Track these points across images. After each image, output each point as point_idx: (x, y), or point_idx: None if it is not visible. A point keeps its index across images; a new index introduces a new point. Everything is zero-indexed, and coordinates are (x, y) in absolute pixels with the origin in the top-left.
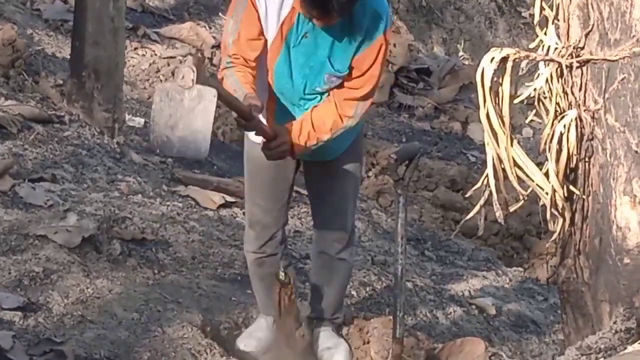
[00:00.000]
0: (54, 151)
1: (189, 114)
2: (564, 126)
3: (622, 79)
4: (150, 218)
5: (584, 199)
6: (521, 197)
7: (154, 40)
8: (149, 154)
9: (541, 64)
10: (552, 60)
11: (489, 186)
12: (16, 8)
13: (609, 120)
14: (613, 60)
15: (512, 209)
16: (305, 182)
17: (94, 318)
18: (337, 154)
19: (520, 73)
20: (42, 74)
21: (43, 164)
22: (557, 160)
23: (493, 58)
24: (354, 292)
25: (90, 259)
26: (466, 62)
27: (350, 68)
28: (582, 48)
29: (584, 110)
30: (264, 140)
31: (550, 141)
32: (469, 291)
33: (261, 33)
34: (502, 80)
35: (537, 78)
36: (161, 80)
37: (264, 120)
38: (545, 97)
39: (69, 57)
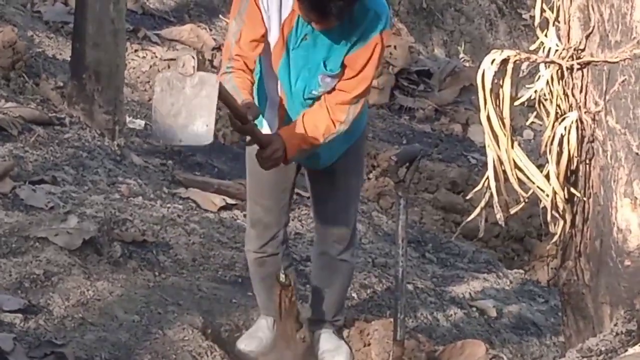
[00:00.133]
0: (54, 153)
1: (191, 101)
2: (565, 128)
3: (623, 81)
4: (150, 220)
5: (584, 201)
6: (522, 199)
7: (154, 42)
8: (149, 156)
9: (542, 66)
10: (552, 62)
11: (490, 188)
12: (16, 10)
13: (609, 122)
14: (614, 62)
15: (512, 211)
16: (307, 182)
17: (95, 320)
18: (334, 158)
19: (520, 75)
20: (42, 76)
21: (44, 166)
22: (558, 162)
23: (494, 60)
24: (354, 295)
25: (90, 261)
26: (467, 64)
27: (343, 67)
28: (583, 50)
29: (585, 112)
30: (258, 147)
31: (551, 143)
32: (470, 293)
33: (264, 34)
34: (503, 82)
35: (537, 80)
36: None
37: (268, 130)
38: (545, 99)
39: (69, 59)
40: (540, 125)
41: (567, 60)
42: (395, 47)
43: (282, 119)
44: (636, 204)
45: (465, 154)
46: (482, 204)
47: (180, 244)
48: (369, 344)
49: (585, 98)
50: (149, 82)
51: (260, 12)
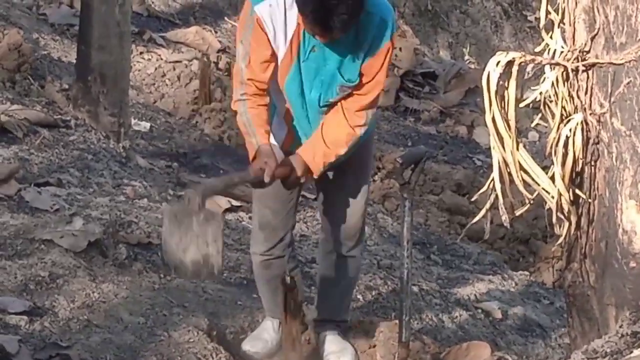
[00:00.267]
0: (59, 155)
1: (199, 238)
2: (570, 130)
3: (628, 83)
4: (156, 222)
5: (589, 203)
6: (527, 201)
7: (159, 45)
8: (154, 158)
9: (547, 68)
10: (558, 64)
11: (495, 190)
12: (22, 13)
13: (614, 124)
14: (619, 64)
15: (518, 213)
16: (315, 182)
17: (100, 322)
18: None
19: (526, 77)
20: (48, 78)
21: (49, 168)
22: (563, 164)
23: (499, 62)
24: (360, 296)
25: (96, 263)
26: (472, 66)
27: (361, 76)
28: (588, 52)
29: (590, 114)
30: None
31: (556, 145)
32: (475, 295)
33: (272, 54)
34: (508, 84)
35: (542, 82)
36: (167, 85)
37: (273, 140)
38: (551, 101)
39: (74, 61)
40: (546, 127)
41: (572, 62)
42: (400, 49)
43: (290, 131)
44: None
45: (471, 156)
46: (488, 205)
47: None
48: (374, 346)
49: (590, 100)
50: (154, 84)
51: (265, 33)
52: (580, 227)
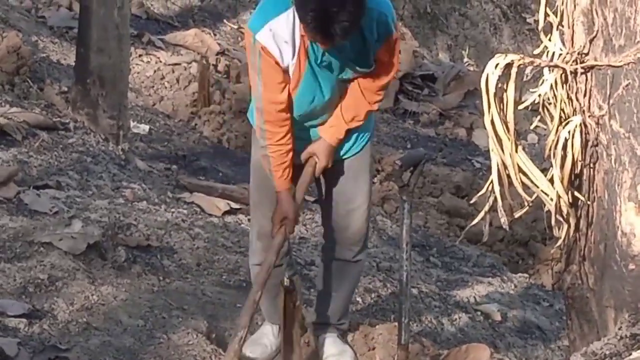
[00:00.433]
0: (58, 158)
1: None
2: (569, 132)
3: (627, 85)
4: (155, 225)
5: (588, 205)
6: (526, 203)
7: (158, 47)
8: (153, 160)
9: (546, 70)
10: (556, 66)
11: (494, 192)
12: (21, 15)
13: (613, 126)
14: (617, 66)
15: (517, 215)
16: (318, 191)
17: (99, 325)
18: (345, 151)
19: (524, 79)
20: (47, 81)
21: (48, 171)
22: (562, 166)
23: (497, 64)
24: (359, 299)
25: (95, 266)
26: (471, 68)
27: (375, 62)
28: (587, 54)
29: (589, 116)
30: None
31: (555, 147)
32: (474, 297)
33: (285, 73)
34: (507, 86)
35: (541, 84)
36: (166, 87)
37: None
38: (549, 103)
39: (73, 64)
40: (544, 129)
41: (571, 64)
42: (400, 51)
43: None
44: None
45: (470, 158)
46: (487, 208)
47: (184, 248)
48: (374, 348)
49: (589, 102)
50: (153, 86)
51: (274, 58)
52: (579, 229)
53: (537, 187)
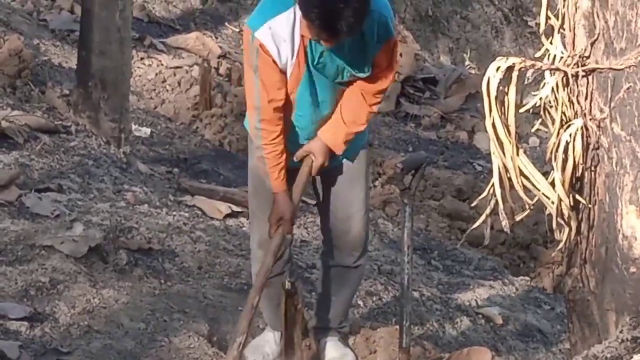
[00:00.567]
0: (60, 161)
1: None
2: (570, 135)
3: (628, 88)
4: (156, 228)
5: (590, 208)
6: (527, 207)
7: (160, 50)
8: (155, 163)
9: (547, 73)
10: (557, 69)
11: (495, 195)
12: (23, 18)
13: (614, 129)
14: (619, 69)
15: (518, 218)
16: (315, 195)
17: (101, 328)
18: (343, 156)
19: (526, 82)
20: (48, 84)
21: (49, 174)
22: (563, 170)
23: (499, 67)
24: (360, 302)
25: (96, 269)
26: (472, 71)
27: (372, 66)
28: (588, 57)
29: (590, 119)
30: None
31: (556, 150)
32: (476, 300)
33: (282, 73)
34: (508, 89)
35: (543, 87)
36: (167, 91)
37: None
38: (551, 106)
39: (75, 67)
40: (546, 132)
41: (572, 68)
42: (401, 54)
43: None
44: None
45: (471, 162)
46: (488, 211)
47: (186, 251)
48: (375, 352)
49: (590, 105)
50: (154, 89)
51: (270, 56)
52: (581, 232)
53: (538, 190)
